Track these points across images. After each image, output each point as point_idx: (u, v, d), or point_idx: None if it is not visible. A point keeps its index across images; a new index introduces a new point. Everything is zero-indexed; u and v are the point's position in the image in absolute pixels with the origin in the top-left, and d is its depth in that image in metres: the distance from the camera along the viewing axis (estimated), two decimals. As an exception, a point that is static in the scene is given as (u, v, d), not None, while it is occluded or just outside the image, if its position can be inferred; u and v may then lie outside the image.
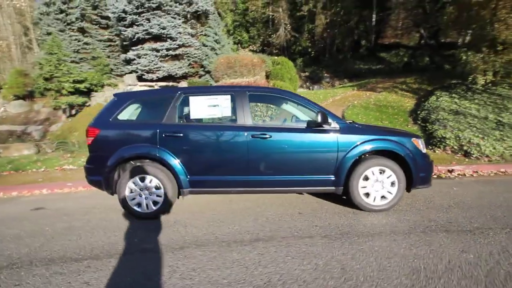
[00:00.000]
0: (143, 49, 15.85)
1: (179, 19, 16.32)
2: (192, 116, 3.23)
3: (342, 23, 19.40)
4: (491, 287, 1.78)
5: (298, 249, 2.37)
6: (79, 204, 3.93)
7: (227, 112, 3.20)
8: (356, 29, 20.81)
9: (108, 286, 1.94)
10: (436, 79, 12.19)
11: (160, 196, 3.11)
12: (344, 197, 3.45)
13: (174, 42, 16.06)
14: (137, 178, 3.10)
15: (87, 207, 3.76)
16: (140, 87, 15.43)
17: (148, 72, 16.24)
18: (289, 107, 3.50)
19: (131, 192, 3.12)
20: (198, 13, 17.31)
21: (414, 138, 3.22)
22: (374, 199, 3.15)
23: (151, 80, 16.60)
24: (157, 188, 3.11)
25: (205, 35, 17.01)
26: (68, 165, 6.05)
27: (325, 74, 17.29)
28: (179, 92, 3.26)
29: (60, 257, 2.37)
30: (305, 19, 19.67)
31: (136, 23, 15.41)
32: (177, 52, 16.47)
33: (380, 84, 13.36)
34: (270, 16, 20.69)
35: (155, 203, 3.14)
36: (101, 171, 3.15)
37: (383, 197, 3.16)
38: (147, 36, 15.64)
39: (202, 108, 3.24)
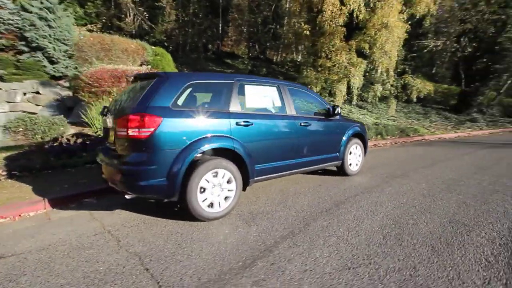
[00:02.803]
0: None
1: (-28, -40, 10.70)
2: (248, 105, 3.19)
3: (195, 24, 20.22)
4: (458, 187, 3.66)
5: (369, 200, 3.32)
6: (54, 239, 2.47)
7: (278, 103, 3.45)
8: (205, 33, 22.38)
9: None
10: (280, 86, 16.04)
11: (231, 190, 2.89)
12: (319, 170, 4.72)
13: (-35, -6, 10.42)
14: (210, 174, 2.69)
15: (82, 235, 2.49)
16: None
17: None
18: (311, 101, 4.15)
19: (202, 191, 2.67)
20: (8, -39, 12.01)
21: (364, 124, 4.97)
22: (353, 167, 4.60)
23: None
24: (229, 182, 2.86)
25: (25, -4, 12.18)
26: None
27: (187, 72, 17.51)
28: (235, 79, 3.09)
29: (209, 271, 1.90)
30: (160, 11, 18.69)
31: None
32: (-30, 10, 10.81)
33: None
34: (112, -4, 17.76)
35: (226, 199, 2.86)
36: (165, 171, 2.43)
37: (356, 164, 4.67)
38: None
39: (256, 97, 3.28)
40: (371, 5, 11.68)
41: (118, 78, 7.74)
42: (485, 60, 13.75)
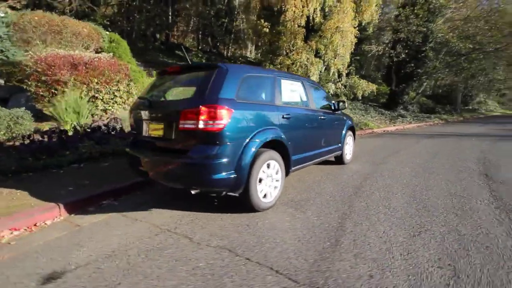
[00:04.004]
0: None
1: None
2: (284, 99, 3.32)
3: (143, 10, 18.61)
4: (446, 158, 4.48)
5: (379, 183, 3.83)
6: (113, 245, 2.22)
7: (304, 97, 3.67)
8: (153, 22, 20.80)
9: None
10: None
11: (278, 181, 3.02)
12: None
13: None
14: (265, 166, 2.78)
15: (141, 237, 2.30)
16: None
17: None
18: (322, 96, 4.44)
19: (260, 182, 2.74)
20: None
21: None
22: (348, 156, 5.16)
23: None
24: (277, 173, 2.99)
25: None
26: None
27: (138, 62, 15.99)
28: (274, 74, 3.20)
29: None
30: (102, -8, 16.56)
31: None
32: None
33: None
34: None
35: (274, 189, 2.98)
36: (234, 164, 2.43)
37: (350, 154, 5.24)
38: None
39: (289, 91, 3.43)
40: (326, 9, 12.74)
41: (75, 65, 6.85)
42: (412, 65, 16.47)
